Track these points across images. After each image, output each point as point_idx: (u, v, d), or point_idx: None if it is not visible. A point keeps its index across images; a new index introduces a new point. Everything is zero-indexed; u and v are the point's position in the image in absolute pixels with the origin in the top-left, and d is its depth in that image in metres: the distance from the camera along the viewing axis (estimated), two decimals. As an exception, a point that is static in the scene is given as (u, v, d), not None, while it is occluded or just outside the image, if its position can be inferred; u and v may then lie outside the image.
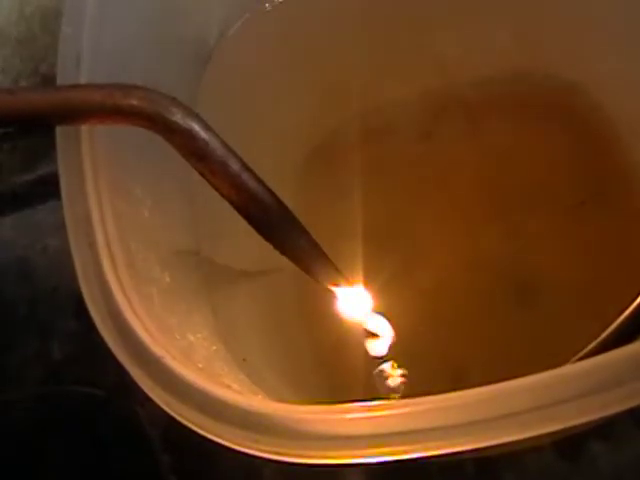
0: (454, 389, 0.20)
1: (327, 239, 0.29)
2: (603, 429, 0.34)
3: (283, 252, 0.27)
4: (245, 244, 0.29)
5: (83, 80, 0.26)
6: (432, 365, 0.37)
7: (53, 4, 0.41)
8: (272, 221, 0.25)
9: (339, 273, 0.28)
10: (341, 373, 0.37)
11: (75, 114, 0.24)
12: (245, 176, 0.25)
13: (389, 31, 0.40)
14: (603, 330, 0.23)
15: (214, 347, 0.28)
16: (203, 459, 0.37)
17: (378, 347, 0.31)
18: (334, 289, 0.28)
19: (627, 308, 0.23)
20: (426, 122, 0.43)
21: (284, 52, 0.39)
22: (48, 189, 0.45)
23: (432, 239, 0.40)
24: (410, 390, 0.34)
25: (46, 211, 0.45)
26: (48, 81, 0.42)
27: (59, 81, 0.27)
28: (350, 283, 0.29)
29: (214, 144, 0.24)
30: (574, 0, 0.38)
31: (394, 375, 0.31)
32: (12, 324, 0.43)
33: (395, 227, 0.41)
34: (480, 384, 0.20)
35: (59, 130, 0.26)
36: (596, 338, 0.23)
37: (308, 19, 0.39)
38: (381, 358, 0.32)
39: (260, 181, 0.25)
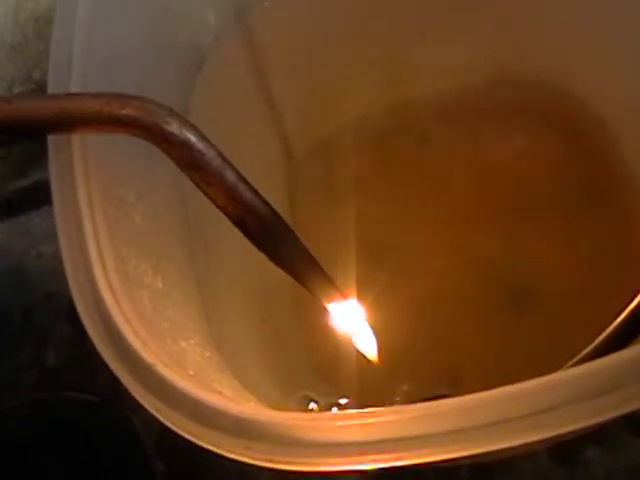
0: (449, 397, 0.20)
1: (322, 248, 0.29)
2: (597, 435, 0.34)
3: (278, 264, 0.26)
4: (238, 250, 0.29)
5: (74, 85, 0.26)
6: (428, 373, 0.37)
7: (47, 10, 0.41)
8: (267, 233, 0.25)
9: (334, 286, 0.28)
10: (335, 380, 0.37)
11: (71, 123, 0.24)
12: (241, 187, 0.24)
13: (385, 32, 0.40)
14: (597, 336, 0.23)
15: (207, 353, 0.28)
16: (197, 466, 0.37)
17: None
18: (328, 302, 0.28)
19: (621, 314, 0.23)
20: (423, 128, 0.43)
21: (277, 58, 0.39)
22: (42, 195, 0.44)
23: (427, 246, 0.40)
24: (407, 398, 0.34)
25: (40, 217, 0.45)
26: (41, 87, 0.42)
27: (50, 86, 0.27)
28: (344, 296, 0.29)
29: (210, 155, 0.24)
30: (560, 8, 0.38)
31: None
32: (7, 331, 0.43)
33: (390, 235, 0.41)
34: (475, 392, 0.20)
35: (50, 136, 0.26)
36: (591, 344, 0.23)
37: (300, 24, 0.39)
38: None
39: (256, 192, 0.25)
